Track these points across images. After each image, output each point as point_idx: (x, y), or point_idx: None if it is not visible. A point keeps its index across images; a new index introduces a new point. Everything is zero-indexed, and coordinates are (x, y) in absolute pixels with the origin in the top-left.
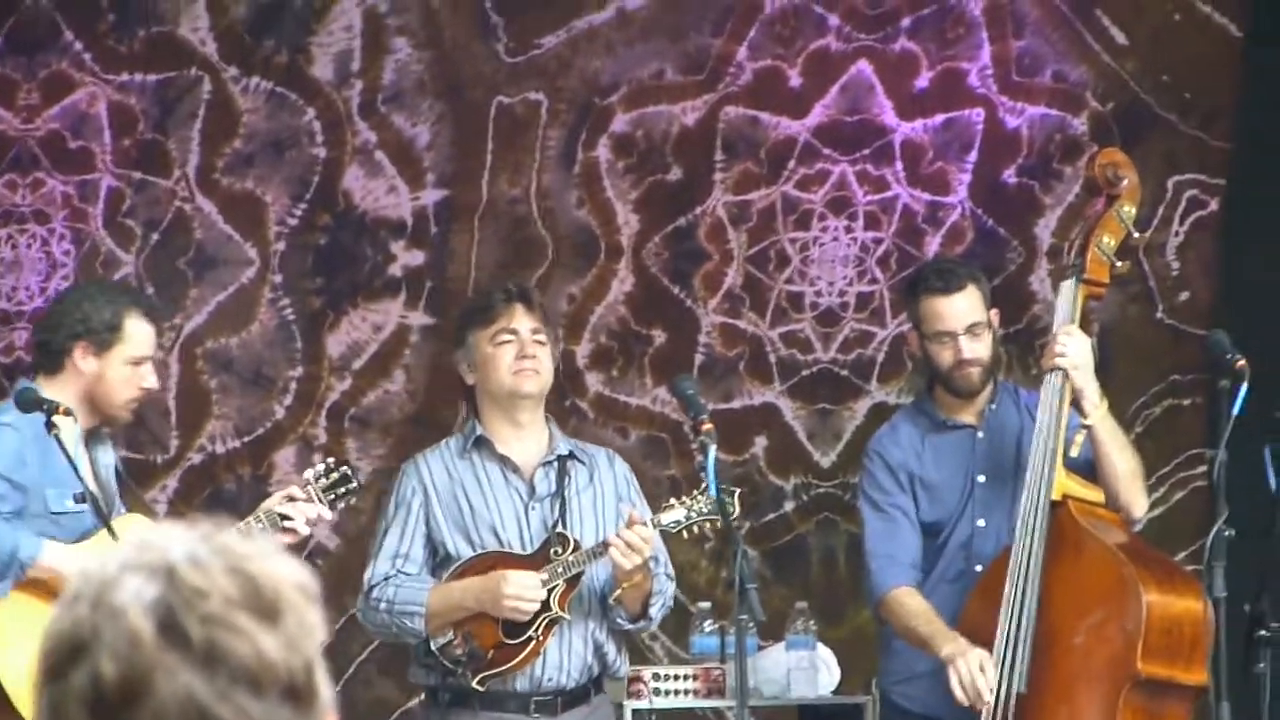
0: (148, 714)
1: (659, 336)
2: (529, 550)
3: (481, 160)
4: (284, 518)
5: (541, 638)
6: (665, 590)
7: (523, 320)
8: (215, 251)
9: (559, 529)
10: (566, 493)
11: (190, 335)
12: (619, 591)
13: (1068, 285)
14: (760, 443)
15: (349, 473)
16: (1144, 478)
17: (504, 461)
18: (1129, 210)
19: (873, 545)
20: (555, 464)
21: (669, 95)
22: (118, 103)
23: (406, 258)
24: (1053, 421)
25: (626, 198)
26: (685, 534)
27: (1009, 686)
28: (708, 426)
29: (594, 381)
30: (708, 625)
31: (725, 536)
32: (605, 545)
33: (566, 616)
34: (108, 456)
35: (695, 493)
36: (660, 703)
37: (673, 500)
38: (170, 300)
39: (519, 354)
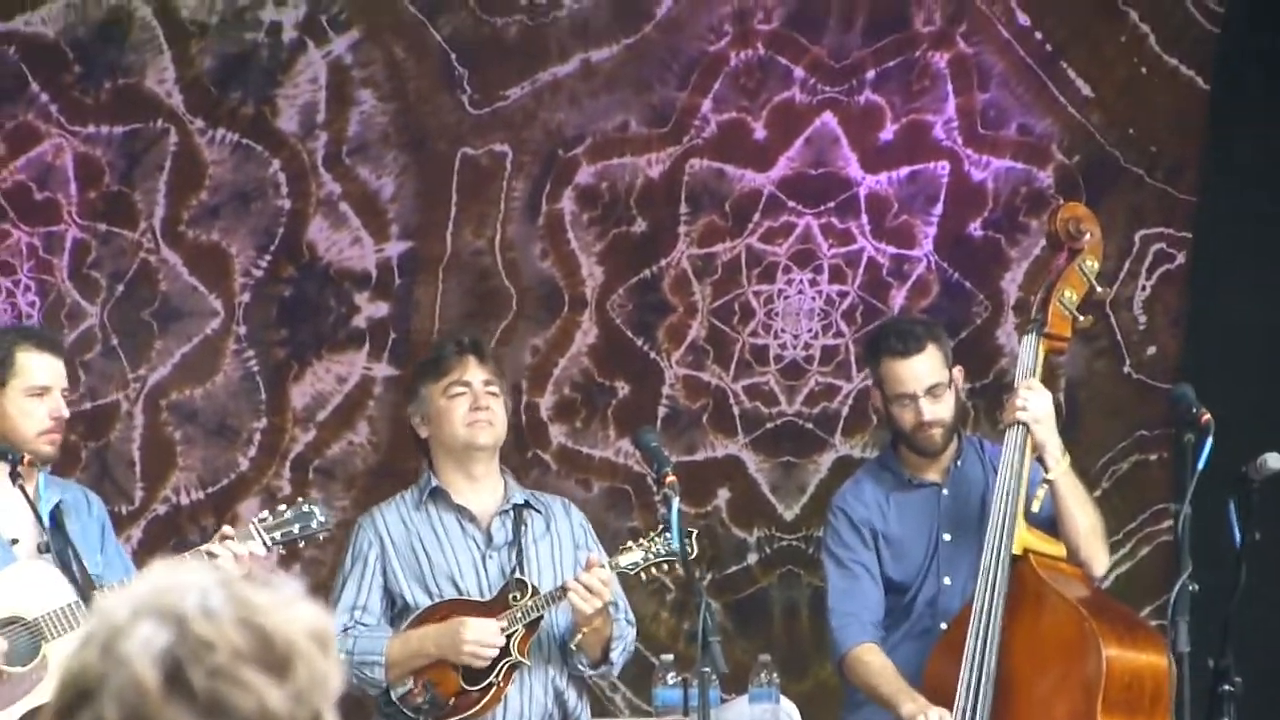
0: None
1: (622, 388)
2: (487, 598)
3: (446, 212)
4: (211, 555)
5: (502, 684)
6: (626, 635)
7: (475, 372)
8: (180, 303)
9: (517, 575)
10: (523, 541)
11: (155, 386)
12: (579, 637)
13: (1029, 340)
14: (723, 495)
15: (309, 509)
16: (1105, 534)
17: (460, 512)
18: (1092, 265)
19: (835, 603)
20: (511, 513)
21: (633, 147)
22: (84, 154)
23: (371, 309)
24: (1014, 476)
25: (591, 250)
26: (644, 582)
27: None
28: (671, 479)
29: (557, 433)
30: (670, 677)
31: (688, 586)
32: (564, 589)
33: (526, 662)
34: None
35: (653, 534)
36: None
37: (630, 543)
38: (135, 352)
39: (472, 406)
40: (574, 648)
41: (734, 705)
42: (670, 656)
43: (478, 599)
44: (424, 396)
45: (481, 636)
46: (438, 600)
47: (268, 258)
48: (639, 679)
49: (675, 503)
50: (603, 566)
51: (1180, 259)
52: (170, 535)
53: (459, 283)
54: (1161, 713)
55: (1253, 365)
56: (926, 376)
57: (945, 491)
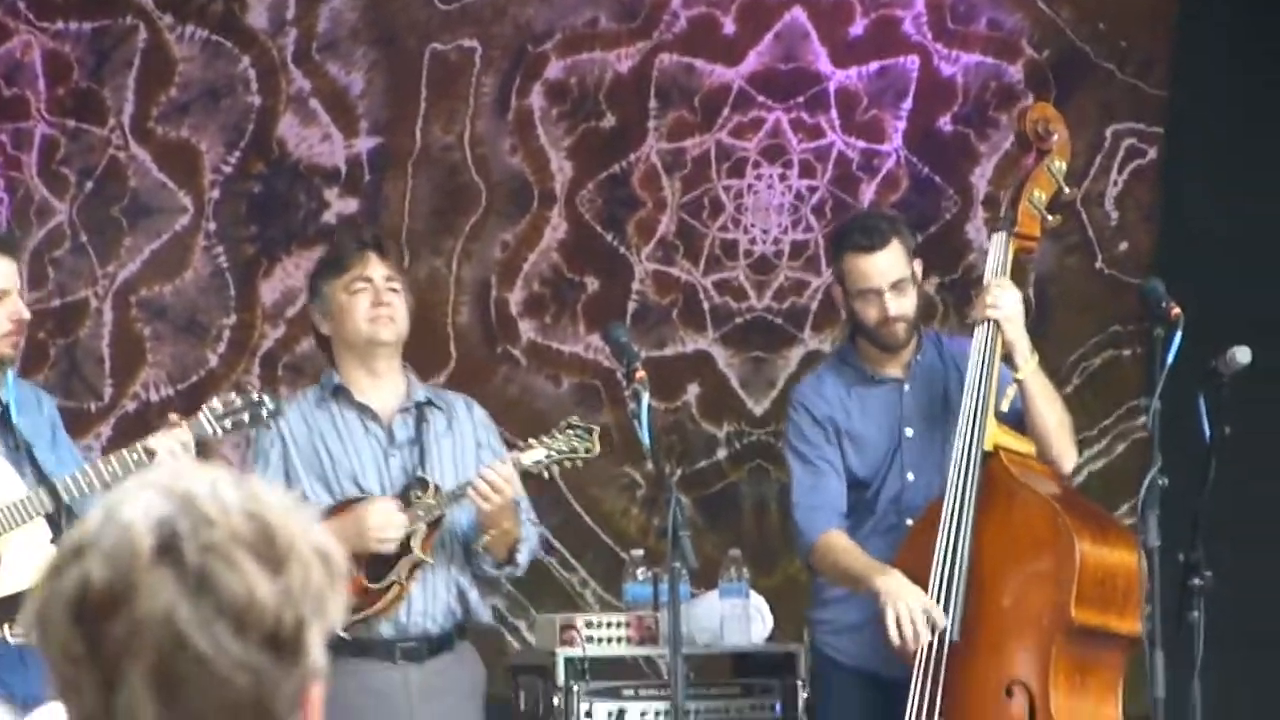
0: (125, 626)
1: (592, 284)
2: (391, 496)
3: (415, 107)
4: (149, 452)
5: (405, 582)
6: (531, 537)
7: (376, 268)
8: (149, 200)
9: (419, 473)
10: (425, 439)
11: (124, 283)
12: (485, 538)
13: (999, 238)
14: (693, 390)
15: (259, 398)
16: (1073, 431)
17: (362, 409)
18: (1060, 165)
19: (800, 497)
20: (414, 411)
21: (603, 43)
22: (52, 51)
23: (340, 205)
24: (984, 373)
25: (560, 145)
26: (615, 477)
27: (942, 635)
28: (640, 374)
29: (527, 329)
30: (640, 573)
31: (659, 481)
32: (466, 487)
33: (429, 560)
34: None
35: (554, 432)
36: (593, 650)
37: (532, 440)
38: (104, 248)
39: (374, 301)
40: (480, 549)
41: (704, 600)
42: (640, 552)
43: (380, 496)
44: (325, 294)
45: (385, 520)
46: (340, 499)
47: (237, 154)
48: (609, 575)
49: (645, 398)
50: (505, 464)
51: (1152, 154)
52: (140, 432)
53: (428, 178)
54: (1133, 608)
55: (1224, 259)
56: (890, 271)
57: (907, 387)
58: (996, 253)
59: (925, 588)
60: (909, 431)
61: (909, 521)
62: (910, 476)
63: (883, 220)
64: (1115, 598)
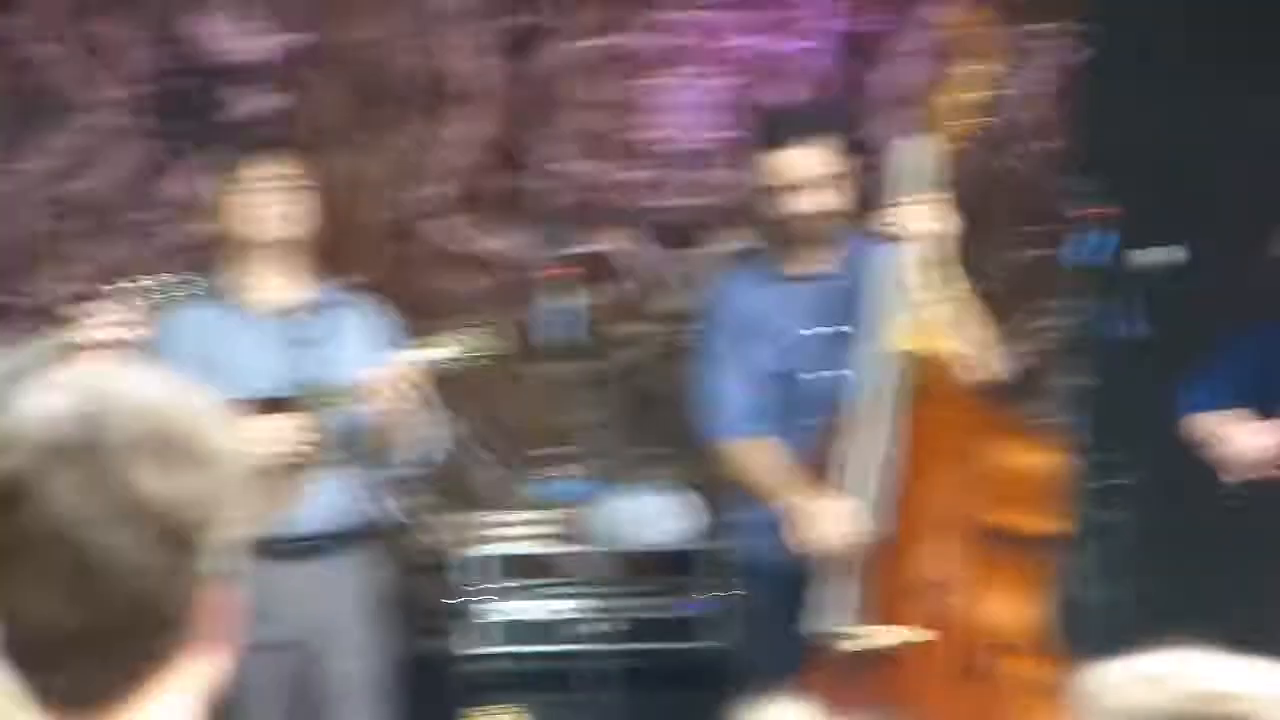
0: (23, 520)
1: (508, 181)
2: (284, 396)
3: (330, 4)
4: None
5: (300, 482)
6: (435, 435)
7: (274, 168)
8: (63, 94)
9: (314, 373)
10: (321, 338)
11: (37, 179)
12: (386, 435)
13: (921, 144)
14: (610, 290)
15: (178, 280)
16: (994, 340)
17: (255, 308)
18: (980, 69)
19: (711, 393)
20: (309, 310)
21: None
22: None
23: (254, 102)
24: (902, 275)
25: (476, 42)
26: (475, 367)
27: (863, 535)
28: (558, 272)
29: (440, 226)
30: (563, 470)
31: (590, 382)
32: (361, 385)
33: (326, 459)
34: None
35: (463, 329)
36: (511, 548)
37: (441, 337)
38: (16, 143)
39: (269, 201)
40: (378, 447)
41: (625, 498)
42: (563, 449)
43: (273, 396)
44: (224, 191)
45: (275, 426)
46: (231, 399)
47: (152, 50)
48: (524, 472)
49: (565, 297)
50: (402, 361)
51: (1072, 53)
52: (47, 327)
53: (343, 76)
54: (1053, 508)
55: (1148, 158)
56: (815, 166)
57: (826, 285)
58: (918, 160)
59: (839, 488)
60: (827, 328)
61: (826, 418)
62: (824, 372)
63: (810, 115)
64: (1034, 498)
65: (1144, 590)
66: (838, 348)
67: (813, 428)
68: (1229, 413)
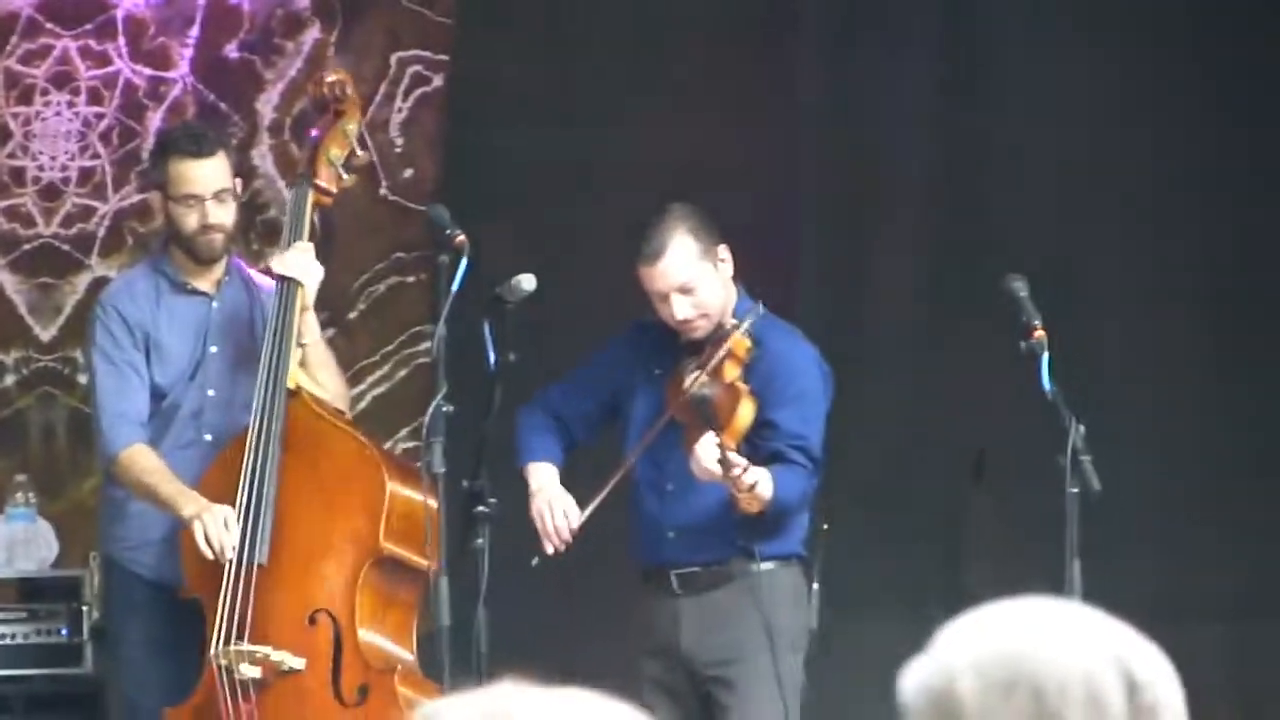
0: None
1: None
2: None
3: None
4: None
5: None
6: None
7: None
8: None
9: None
10: None
11: None
12: None
13: (300, 192)
14: None
15: None
16: (345, 387)
17: None
18: (353, 127)
19: (105, 401)
20: None
21: None
22: None
23: None
24: (285, 319)
25: None
26: None
27: (249, 558)
28: None
29: None
30: None
31: None
32: None
33: None
34: None
35: None
36: None
37: None
38: None
39: None
40: None
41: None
42: None
43: None
44: None
45: None
46: None
47: None
48: None
49: None
50: None
51: (437, 81)
52: None
53: None
54: (427, 545)
55: (509, 188)
56: (214, 180)
57: (215, 303)
58: (298, 205)
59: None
60: (213, 348)
61: (208, 437)
62: (211, 393)
63: (210, 131)
64: (417, 533)
65: (504, 617)
66: (225, 366)
67: (198, 444)
68: (548, 464)
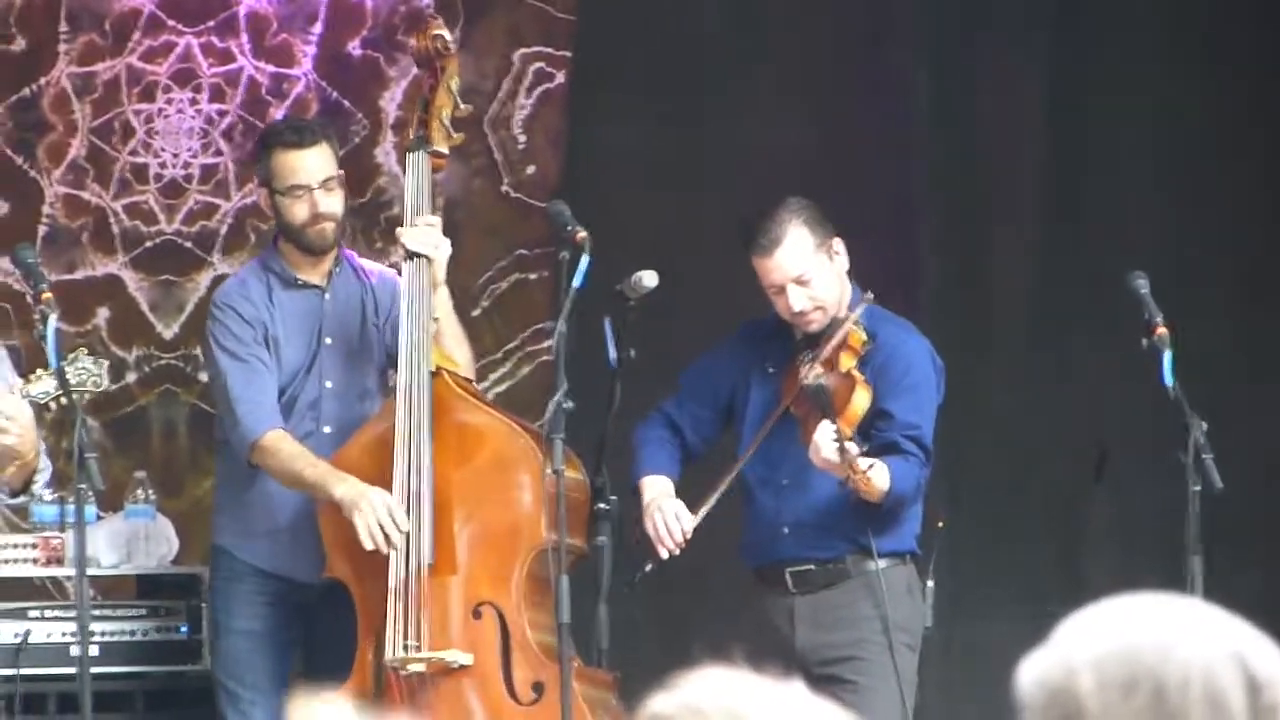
0: None
1: (1, 206)
2: None
3: None
4: None
5: None
6: (49, 466)
7: None
8: None
9: None
10: None
11: None
12: (9, 471)
13: (417, 159)
14: (103, 314)
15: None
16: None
17: None
18: (455, 81)
19: (238, 391)
20: None
21: None
22: None
23: None
24: (422, 300)
25: None
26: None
27: (416, 560)
28: (47, 296)
29: None
30: (47, 494)
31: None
32: None
33: None
34: None
35: (63, 363)
36: None
37: (39, 371)
38: None
39: None
40: None
41: (110, 522)
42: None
43: None
44: None
45: None
46: None
47: None
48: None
49: (51, 319)
50: (14, 396)
51: (560, 78)
52: None
53: None
54: (583, 524)
55: (629, 185)
56: (319, 170)
57: (327, 295)
58: (418, 176)
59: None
60: (328, 340)
61: (326, 429)
62: (329, 384)
63: (314, 122)
64: (573, 516)
65: (626, 616)
66: (340, 358)
67: (315, 435)
68: (662, 475)
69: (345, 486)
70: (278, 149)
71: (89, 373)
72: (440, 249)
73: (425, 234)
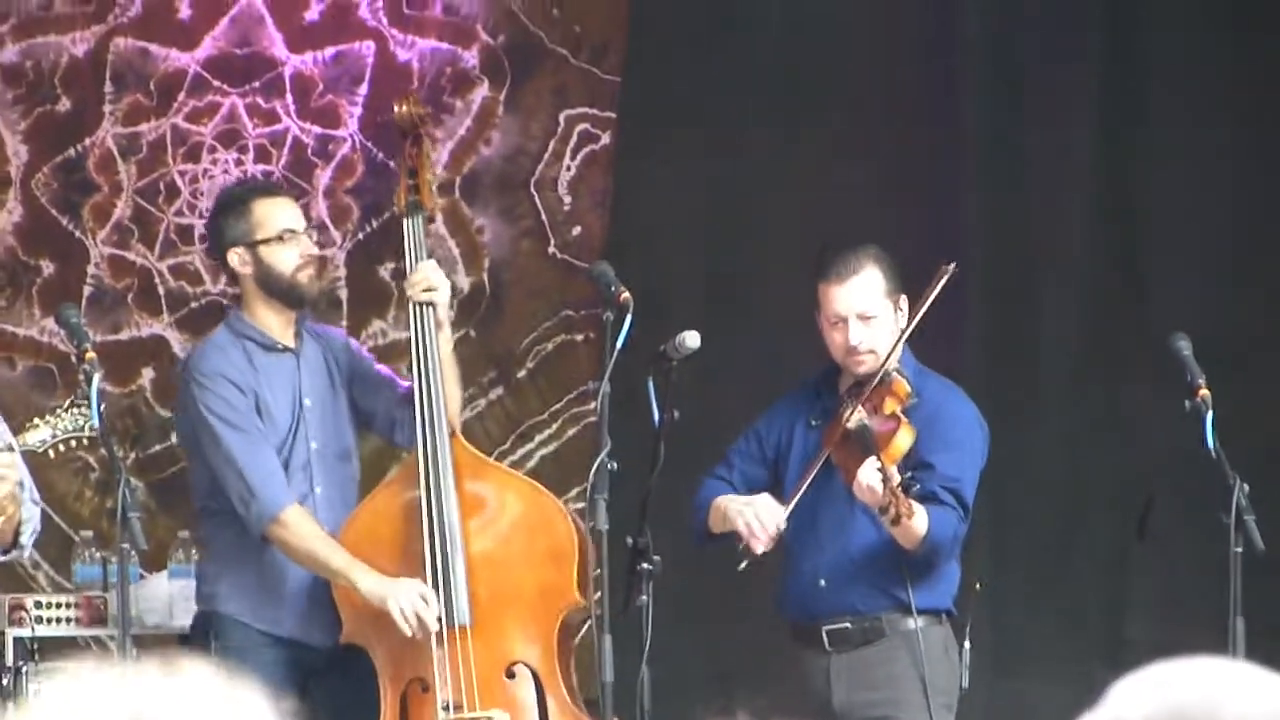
0: None
1: (47, 267)
2: None
3: None
4: None
5: None
6: (34, 516)
7: None
8: None
9: None
10: None
11: None
12: None
13: (414, 223)
14: (148, 374)
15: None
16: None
17: None
18: (430, 146)
19: (249, 463)
20: None
21: (58, 26)
22: None
23: None
24: (433, 350)
25: (15, 128)
26: (68, 459)
27: (452, 621)
28: (90, 355)
29: None
30: (91, 554)
31: (111, 464)
32: None
33: None
34: None
35: (59, 410)
36: (42, 630)
37: (36, 420)
38: None
39: None
40: None
41: (153, 581)
42: (90, 533)
43: None
44: None
45: None
46: None
47: None
48: (59, 556)
49: (95, 380)
50: (10, 449)
51: (605, 139)
52: None
53: None
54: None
55: (676, 245)
56: (300, 217)
57: (300, 358)
58: (414, 236)
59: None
60: (308, 401)
61: (318, 489)
62: (314, 445)
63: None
64: (588, 573)
65: (670, 675)
66: (321, 417)
67: (310, 497)
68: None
69: (371, 580)
70: (256, 200)
71: (85, 417)
72: (440, 291)
73: (424, 281)
